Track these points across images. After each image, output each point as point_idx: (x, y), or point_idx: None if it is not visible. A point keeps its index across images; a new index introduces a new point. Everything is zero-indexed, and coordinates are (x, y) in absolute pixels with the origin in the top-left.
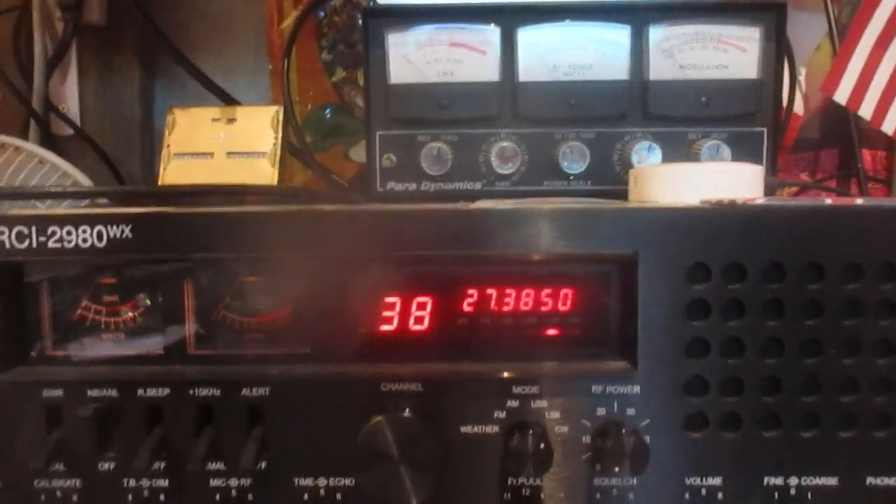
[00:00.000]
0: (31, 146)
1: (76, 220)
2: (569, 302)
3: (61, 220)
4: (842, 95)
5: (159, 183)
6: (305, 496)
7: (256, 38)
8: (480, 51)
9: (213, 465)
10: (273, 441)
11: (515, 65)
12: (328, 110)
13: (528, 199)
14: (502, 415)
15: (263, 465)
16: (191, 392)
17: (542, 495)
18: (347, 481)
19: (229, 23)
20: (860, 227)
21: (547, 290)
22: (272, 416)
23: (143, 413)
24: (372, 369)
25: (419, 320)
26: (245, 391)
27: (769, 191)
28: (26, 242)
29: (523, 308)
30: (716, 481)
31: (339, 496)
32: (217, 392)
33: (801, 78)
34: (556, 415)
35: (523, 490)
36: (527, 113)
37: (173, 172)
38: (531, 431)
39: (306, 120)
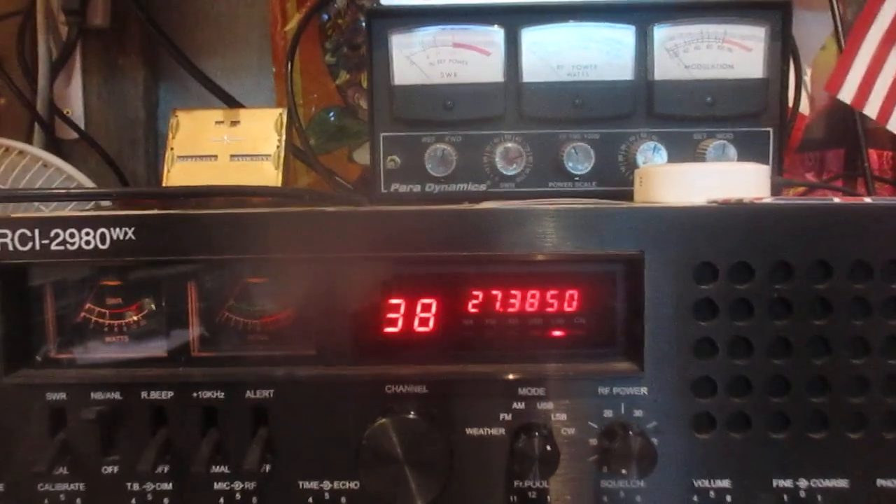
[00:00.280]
0: (35, 149)
1: (79, 223)
2: (575, 303)
3: (64, 223)
4: (846, 94)
5: (163, 185)
6: (310, 499)
7: (260, 41)
8: (484, 51)
9: (218, 468)
10: (277, 443)
11: (519, 65)
12: (332, 113)
13: (532, 200)
14: (508, 416)
15: (268, 467)
16: (195, 395)
17: (548, 498)
18: (352, 484)
19: (233, 25)
20: (868, 225)
21: (553, 291)
22: (276, 419)
23: (147, 416)
24: (377, 371)
25: (424, 322)
26: (249, 393)
27: (776, 191)
28: (29, 245)
29: (529, 309)
30: (724, 483)
31: (343, 499)
32: (221, 394)
33: (807, 77)
34: (562, 416)
35: (529, 492)
36: (531, 114)
37: (177, 175)
38: (537, 433)
39: (310, 122)
